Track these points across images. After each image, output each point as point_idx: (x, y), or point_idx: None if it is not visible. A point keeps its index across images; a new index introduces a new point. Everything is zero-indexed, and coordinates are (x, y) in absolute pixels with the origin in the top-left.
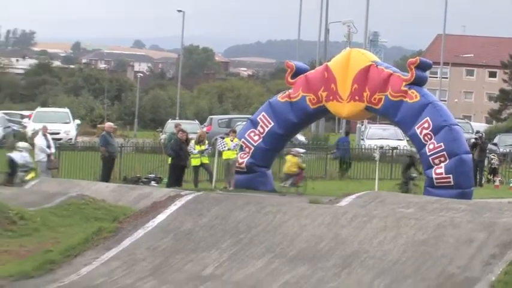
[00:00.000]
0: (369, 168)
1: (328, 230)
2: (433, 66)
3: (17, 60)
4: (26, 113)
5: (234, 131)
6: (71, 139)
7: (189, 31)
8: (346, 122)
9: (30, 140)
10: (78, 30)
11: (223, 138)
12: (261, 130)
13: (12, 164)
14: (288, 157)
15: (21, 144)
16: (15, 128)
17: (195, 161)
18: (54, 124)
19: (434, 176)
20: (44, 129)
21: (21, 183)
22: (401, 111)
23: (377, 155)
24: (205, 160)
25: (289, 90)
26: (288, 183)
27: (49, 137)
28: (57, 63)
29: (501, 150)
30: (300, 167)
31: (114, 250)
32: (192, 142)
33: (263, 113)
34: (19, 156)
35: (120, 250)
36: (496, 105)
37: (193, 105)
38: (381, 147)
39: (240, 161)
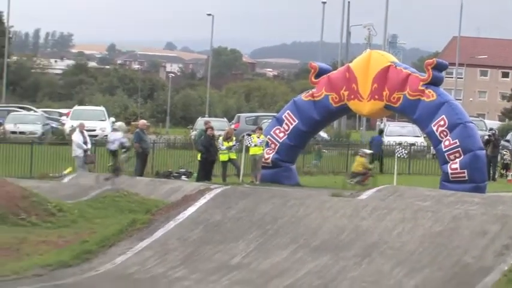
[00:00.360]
0: (388, 163)
1: (349, 221)
2: (449, 67)
3: (56, 61)
4: (64, 111)
5: (260, 128)
6: (106, 135)
7: (218, 34)
8: (366, 119)
9: (68, 137)
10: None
11: (249, 135)
12: (286, 127)
13: (113, 153)
14: (356, 157)
15: (118, 123)
16: (53, 125)
17: (223, 157)
18: (90, 121)
19: (449, 170)
20: (81, 126)
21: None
22: (419, 110)
23: (401, 153)
24: (233, 156)
25: (313, 90)
26: (355, 181)
27: (86, 133)
28: (93, 64)
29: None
30: (366, 167)
31: (147, 240)
32: (221, 139)
33: (288, 111)
34: (119, 136)
35: (152, 240)
36: (508, 104)
37: (221, 104)
38: (399, 144)
39: (266, 156)
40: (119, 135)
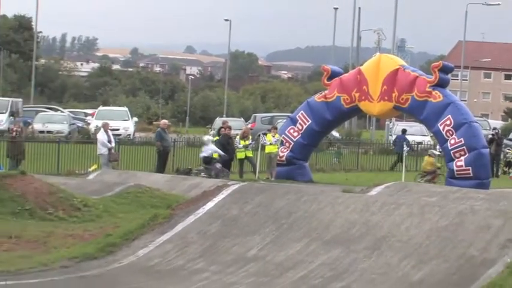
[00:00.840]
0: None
1: (360, 216)
2: (454, 69)
3: (81, 64)
4: (89, 111)
5: (275, 128)
6: (129, 135)
7: (235, 38)
8: (376, 119)
9: (93, 136)
10: (136, 37)
11: (265, 134)
12: (300, 127)
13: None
14: (426, 157)
15: (205, 137)
16: (79, 124)
17: (240, 155)
18: (114, 121)
19: (455, 168)
20: (106, 125)
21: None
22: (426, 110)
23: (406, 150)
24: (250, 154)
25: (325, 91)
26: (425, 179)
27: (110, 132)
28: (117, 66)
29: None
30: (435, 166)
31: (168, 234)
32: (238, 137)
33: (302, 111)
34: (209, 151)
35: (173, 234)
36: (511, 105)
37: (238, 105)
38: (404, 140)
39: (281, 154)
40: (211, 147)
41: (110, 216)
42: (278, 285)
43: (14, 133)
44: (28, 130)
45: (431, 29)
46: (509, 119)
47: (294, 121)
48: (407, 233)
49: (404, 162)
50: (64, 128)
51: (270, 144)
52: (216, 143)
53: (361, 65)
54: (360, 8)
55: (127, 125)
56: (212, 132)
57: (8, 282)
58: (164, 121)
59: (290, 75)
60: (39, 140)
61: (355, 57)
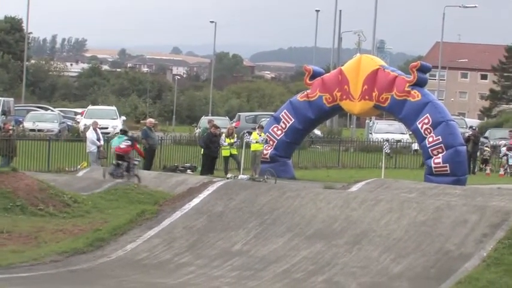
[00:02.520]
0: (376, 158)
1: (341, 212)
2: (432, 69)
3: (71, 64)
4: (78, 110)
5: (262, 127)
6: (117, 133)
7: (220, 39)
8: (356, 118)
9: (83, 134)
10: (123, 38)
11: (250, 133)
12: (283, 125)
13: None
14: None
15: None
16: (69, 123)
17: (225, 152)
18: (103, 120)
19: (433, 165)
20: (95, 124)
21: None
22: (405, 109)
23: (387, 149)
24: (234, 151)
25: (308, 91)
26: None
27: (99, 131)
28: (105, 67)
29: (491, 142)
30: None
31: (155, 229)
32: (223, 135)
33: (285, 110)
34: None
35: (160, 229)
36: (486, 104)
37: (224, 104)
38: (387, 140)
39: (265, 152)
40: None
41: (99, 212)
42: (262, 279)
43: (10, 131)
44: (19, 128)
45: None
46: (485, 118)
47: (277, 120)
48: (386, 228)
49: (383, 159)
50: (54, 126)
51: (256, 142)
52: (201, 140)
53: (342, 65)
54: (340, 10)
55: (115, 124)
56: (198, 130)
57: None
58: (150, 120)
59: (273, 76)
60: (30, 138)
61: (336, 57)
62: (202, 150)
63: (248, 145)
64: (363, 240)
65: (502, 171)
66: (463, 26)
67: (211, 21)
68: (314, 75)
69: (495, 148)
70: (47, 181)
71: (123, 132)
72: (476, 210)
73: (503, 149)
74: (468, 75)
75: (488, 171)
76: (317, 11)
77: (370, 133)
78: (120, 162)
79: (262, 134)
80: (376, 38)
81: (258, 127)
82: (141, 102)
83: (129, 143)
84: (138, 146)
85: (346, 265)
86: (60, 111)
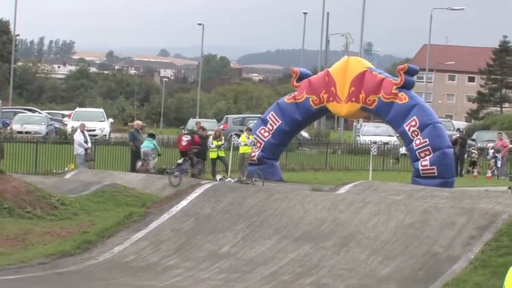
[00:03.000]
0: (364, 160)
1: (328, 214)
2: (420, 72)
3: (59, 66)
4: (66, 112)
5: (250, 129)
6: (105, 135)
7: (207, 41)
8: (344, 120)
9: (70, 136)
10: (111, 40)
11: (238, 136)
12: (270, 127)
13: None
14: None
15: None
16: (56, 125)
17: (212, 154)
18: (90, 122)
19: (420, 167)
20: (82, 126)
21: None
22: (392, 111)
23: (375, 151)
24: (222, 153)
25: (295, 93)
26: None
27: (86, 133)
28: (93, 69)
29: (478, 145)
30: None
31: (142, 231)
32: (211, 138)
33: (272, 112)
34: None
35: (148, 231)
36: (474, 106)
37: (211, 106)
38: (374, 143)
39: (252, 154)
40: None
41: (86, 215)
42: (249, 281)
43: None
44: (6, 131)
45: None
46: (473, 120)
47: (264, 122)
48: (374, 230)
49: (371, 161)
50: (42, 128)
51: (245, 145)
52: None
53: (330, 67)
54: (328, 12)
55: (103, 126)
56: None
57: None
58: (138, 122)
59: (261, 78)
60: (18, 140)
61: (324, 60)
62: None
63: (236, 147)
64: (350, 243)
65: (489, 174)
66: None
67: (199, 24)
68: (301, 77)
69: (482, 150)
70: (34, 183)
71: (151, 135)
72: (463, 213)
73: (491, 151)
74: (456, 78)
75: (475, 173)
76: (305, 13)
77: (358, 135)
78: (184, 159)
79: (251, 137)
80: (363, 41)
81: (246, 129)
82: (128, 105)
83: (189, 137)
84: (197, 138)
85: (333, 267)
86: (48, 113)
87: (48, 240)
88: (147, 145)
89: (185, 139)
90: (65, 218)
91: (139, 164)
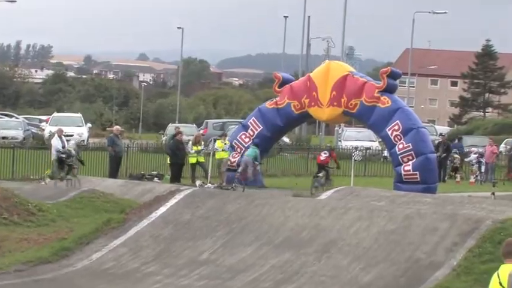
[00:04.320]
0: (345, 166)
1: (309, 220)
2: (402, 76)
3: (36, 71)
4: (43, 117)
5: (225, 135)
6: (83, 140)
7: (187, 45)
8: (325, 125)
9: (48, 142)
10: (89, 44)
11: (215, 141)
12: (251, 133)
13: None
14: None
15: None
16: (34, 130)
17: (192, 160)
18: (68, 127)
19: (403, 172)
20: (60, 131)
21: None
22: (375, 115)
23: (357, 156)
24: (201, 159)
25: (276, 98)
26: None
27: (64, 138)
28: (71, 73)
29: (466, 150)
30: None
31: (121, 238)
32: (190, 143)
33: (253, 117)
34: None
35: (126, 238)
36: (456, 111)
37: (191, 111)
38: (356, 148)
39: (232, 160)
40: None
41: (64, 221)
42: None
43: None
44: None
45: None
46: (455, 125)
47: (245, 127)
48: (356, 236)
49: (352, 167)
50: (19, 134)
51: (222, 150)
52: (167, 148)
53: (311, 71)
54: (309, 16)
55: (81, 131)
56: (165, 138)
57: None
58: (117, 127)
59: (241, 82)
60: None
61: (305, 64)
62: (169, 158)
63: (214, 153)
64: (332, 249)
65: (472, 179)
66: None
67: (179, 27)
68: (284, 83)
69: (465, 155)
70: (11, 189)
71: (256, 144)
72: (446, 219)
73: (474, 156)
74: (438, 82)
75: (458, 179)
76: (285, 17)
77: (340, 140)
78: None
79: (227, 142)
80: (345, 45)
81: (221, 135)
82: (107, 109)
83: (327, 154)
84: (334, 154)
85: (315, 274)
86: (25, 118)
87: (25, 247)
88: (250, 154)
89: (324, 155)
90: (43, 224)
91: (231, 174)
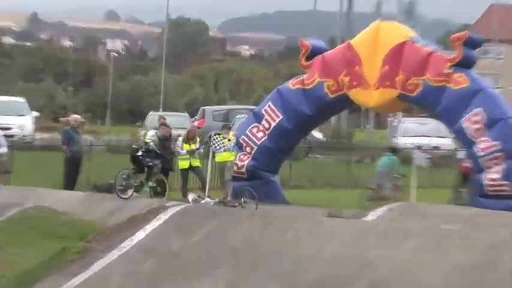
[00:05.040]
0: (404, 172)
1: (352, 251)
2: (484, 44)
3: None
4: None
5: (229, 127)
6: (26, 136)
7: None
8: (374, 114)
9: None
10: None
11: (218, 135)
12: (267, 125)
13: None
14: None
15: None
16: None
17: (183, 164)
18: (5, 117)
19: (486, 182)
20: None
21: None
22: (444, 100)
23: (421, 159)
24: (196, 163)
25: (303, 75)
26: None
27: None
28: (9, 39)
29: None
30: None
31: (81, 276)
32: (180, 140)
33: (269, 103)
34: None
35: (89, 276)
36: None
37: (181, 94)
38: (419, 147)
39: (239, 164)
40: None
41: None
42: None
43: None
44: None
45: None
46: None
47: (258, 117)
48: (418, 274)
49: (414, 174)
50: None
51: (225, 150)
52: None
53: (353, 37)
54: None
55: (23, 122)
56: (143, 132)
57: None
58: (75, 116)
59: (253, 52)
60: None
61: (345, 26)
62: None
63: (214, 154)
64: None
65: None
66: None
67: None
68: (313, 53)
69: None
70: None
71: (393, 150)
72: None
73: None
74: None
75: None
76: None
77: (395, 136)
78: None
79: (232, 138)
80: None
81: (224, 127)
82: (60, 91)
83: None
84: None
85: None
86: None
87: None
88: (386, 163)
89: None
90: None
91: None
